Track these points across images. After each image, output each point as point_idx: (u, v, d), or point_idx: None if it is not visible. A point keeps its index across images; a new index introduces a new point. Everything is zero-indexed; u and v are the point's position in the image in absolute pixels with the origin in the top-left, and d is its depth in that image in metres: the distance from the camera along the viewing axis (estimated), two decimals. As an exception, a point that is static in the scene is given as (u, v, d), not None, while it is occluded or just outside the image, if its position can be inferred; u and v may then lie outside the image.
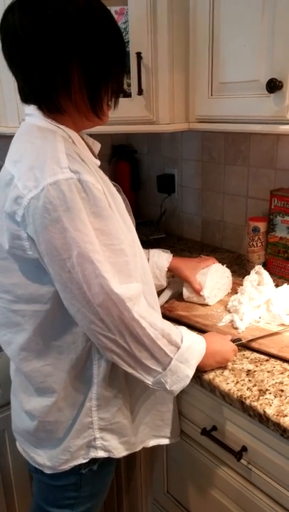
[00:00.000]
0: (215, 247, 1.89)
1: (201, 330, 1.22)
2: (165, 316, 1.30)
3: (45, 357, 0.96)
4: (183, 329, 0.99)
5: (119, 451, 1.04)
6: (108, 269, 0.85)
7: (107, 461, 1.06)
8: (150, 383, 0.94)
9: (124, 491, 1.51)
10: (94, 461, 1.03)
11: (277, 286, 1.31)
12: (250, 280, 1.29)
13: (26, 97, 0.93)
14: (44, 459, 1.03)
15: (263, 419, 0.93)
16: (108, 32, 0.90)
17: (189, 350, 0.96)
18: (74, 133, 0.93)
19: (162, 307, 1.33)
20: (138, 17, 1.28)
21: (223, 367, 1.06)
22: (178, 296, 1.39)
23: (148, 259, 1.32)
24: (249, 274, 1.32)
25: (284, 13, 1.07)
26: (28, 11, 0.85)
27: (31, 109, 0.93)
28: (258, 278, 1.31)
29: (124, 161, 2.14)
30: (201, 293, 1.30)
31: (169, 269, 1.34)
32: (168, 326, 0.95)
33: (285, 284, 1.30)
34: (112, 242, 0.87)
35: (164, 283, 1.35)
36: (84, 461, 1.02)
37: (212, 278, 1.33)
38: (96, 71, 0.90)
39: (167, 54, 1.32)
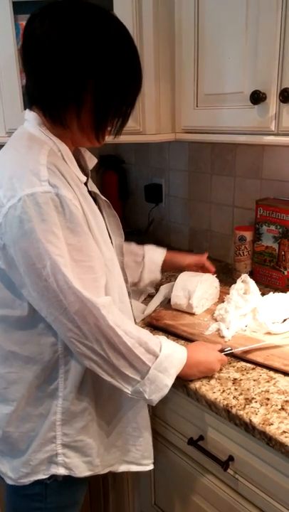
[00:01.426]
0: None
1: (187, 339, 1.22)
2: (152, 325, 1.30)
3: (11, 364, 0.96)
4: (162, 338, 0.99)
5: (81, 471, 1.02)
6: (77, 280, 0.86)
7: (71, 476, 1.03)
8: (129, 392, 0.94)
9: (111, 503, 1.49)
10: (55, 475, 1.01)
11: (263, 294, 1.32)
12: (236, 289, 1.30)
13: (32, 102, 0.95)
14: (7, 468, 1.02)
15: (248, 428, 0.93)
16: (131, 66, 0.93)
17: (168, 359, 0.95)
18: (65, 147, 0.94)
19: (149, 316, 1.33)
20: (124, 29, 1.30)
21: (209, 376, 1.06)
22: (166, 305, 1.39)
23: (143, 255, 1.35)
24: (236, 282, 1.33)
25: (266, 27, 1.09)
26: (58, 23, 0.86)
27: (31, 116, 0.95)
28: (245, 287, 1.32)
29: (112, 171, 2.15)
30: (190, 301, 1.31)
31: (164, 262, 1.38)
32: (145, 334, 0.95)
33: (271, 293, 1.31)
34: (82, 259, 0.87)
35: (159, 276, 1.39)
36: (44, 477, 1.00)
37: (201, 288, 1.33)
38: (110, 98, 0.92)
39: (153, 65, 1.34)
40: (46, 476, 1.00)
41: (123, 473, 1.40)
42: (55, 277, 0.84)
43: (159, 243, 2.04)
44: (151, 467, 1.13)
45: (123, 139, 1.40)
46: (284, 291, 1.36)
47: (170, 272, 1.55)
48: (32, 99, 0.95)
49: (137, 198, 2.16)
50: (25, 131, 0.94)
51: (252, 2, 1.11)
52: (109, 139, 1.01)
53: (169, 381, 0.95)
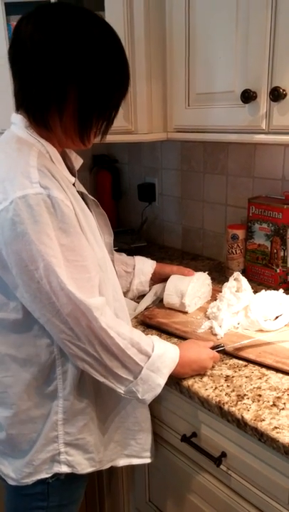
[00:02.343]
0: (195, 254, 1.90)
1: (180, 337, 1.23)
2: (145, 324, 1.31)
3: (7, 368, 0.97)
4: (155, 338, 1.00)
5: (84, 468, 1.03)
6: (71, 281, 0.86)
7: (75, 474, 1.04)
8: (122, 392, 0.95)
9: (105, 500, 1.50)
10: (58, 474, 1.02)
11: (255, 292, 1.32)
12: (228, 287, 1.31)
13: (18, 105, 0.95)
14: (8, 469, 1.02)
15: (241, 424, 0.94)
16: (114, 70, 0.92)
17: (161, 359, 0.96)
18: (53, 149, 0.94)
19: (142, 314, 1.34)
20: (115, 28, 1.29)
21: (201, 374, 1.07)
22: (158, 303, 1.40)
23: (134, 266, 1.35)
24: (228, 280, 1.34)
25: (257, 26, 1.10)
26: (41, 27, 0.86)
27: (17, 119, 0.95)
28: (237, 285, 1.33)
29: (105, 171, 2.15)
30: (183, 300, 1.31)
31: (153, 274, 1.38)
32: (138, 335, 0.96)
33: (263, 291, 1.32)
34: (75, 259, 0.88)
35: (147, 289, 1.39)
36: (47, 476, 1.01)
37: (194, 286, 1.34)
38: (92, 102, 0.92)
39: (145, 65, 1.34)
40: (49, 475, 1.01)
41: (118, 471, 1.41)
42: (48, 279, 0.84)
43: (152, 242, 2.07)
44: (150, 460, 1.15)
45: (115, 138, 1.41)
46: (276, 288, 1.37)
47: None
48: (18, 102, 0.95)
49: (130, 197, 2.16)
50: (13, 135, 0.94)
51: (242, 1, 1.12)
52: (96, 140, 1.01)
53: (162, 380, 0.96)
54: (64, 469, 1.01)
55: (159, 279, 1.40)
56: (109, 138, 1.39)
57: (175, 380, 1.06)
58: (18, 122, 0.94)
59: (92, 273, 0.92)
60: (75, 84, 0.88)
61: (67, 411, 0.99)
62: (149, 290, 1.41)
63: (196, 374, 1.07)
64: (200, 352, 1.07)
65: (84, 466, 1.04)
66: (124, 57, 0.95)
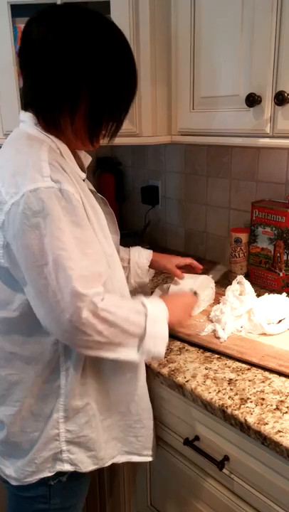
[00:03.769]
0: (198, 257, 1.89)
1: (183, 340, 1.23)
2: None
3: (12, 366, 0.97)
4: (140, 297, 1.01)
5: (86, 466, 1.03)
6: (79, 276, 0.85)
7: (77, 474, 1.04)
8: (137, 358, 0.96)
9: (107, 504, 1.49)
10: (62, 473, 1.02)
11: (259, 296, 1.32)
12: (232, 290, 1.31)
13: (27, 104, 0.95)
14: (10, 470, 1.02)
15: (244, 427, 0.94)
16: (125, 72, 0.94)
17: (155, 310, 0.98)
18: (63, 144, 0.95)
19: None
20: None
21: (205, 376, 1.07)
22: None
23: (129, 260, 1.35)
24: (231, 284, 1.34)
25: (261, 30, 1.10)
26: (55, 29, 0.87)
27: (26, 117, 0.95)
28: (240, 288, 1.33)
29: (109, 173, 2.15)
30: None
31: (151, 264, 1.37)
32: (129, 300, 1.01)
33: (266, 294, 1.32)
34: (89, 251, 0.88)
35: (147, 279, 1.38)
36: (50, 475, 1.01)
37: (197, 290, 1.34)
38: (104, 104, 0.92)
39: (150, 68, 1.35)
40: (52, 474, 1.01)
41: (120, 474, 1.40)
42: (57, 275, 0.84)
43: (155, 245, 2.07)
44: (151, 458, 1.15)
45: (120, 141, 1.41)
46: (279, 292, 1.37)
47: (166, 274, 1.55)
48: (27, 101, 0.96)
49: (133, 199, 2.17)
50: (23, 132, 0.95)
51: (247, 5, 1.12)
52: (104, 142, 1.01)
53: (165, 326, 0.98)
54: (67, 468, 1.01)
55: (157, 268, 1.40)
56: (112, 142, 1.41)
57: (179, 383, 1.06)
58: (27, 120, 0.95)
59: (102, 268, 0.92)
60: (87, 86, 0.89)
61: (68, 408, 0.99)
62: (153, 292, 1.41)
63: (186, 315, 1.12)
64: (178, 296, 1.14)
65: (86, 464, 1.03)
66: (133, 60, 0.96)
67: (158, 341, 0.97)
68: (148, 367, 1.15)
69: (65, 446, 1.00)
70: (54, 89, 0.89)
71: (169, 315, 1.01)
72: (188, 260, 1.40)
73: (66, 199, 0.85)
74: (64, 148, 0.94)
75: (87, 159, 1.10)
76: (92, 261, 0.88)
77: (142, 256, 1.36)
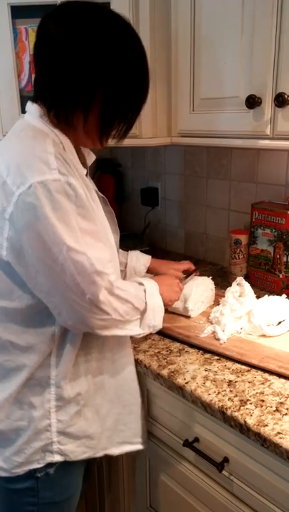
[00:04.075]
0: (198, 259, 1.90)
1: (183, 341, 1.23)
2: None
3: (9, 352, 0.97)
4: (134, 277, 1.08)
5: (76, 455, 1.03)
6: (94, 258, 0.88)
7: (65, 467, 1.03)
8: (140, 332, 1.02)
9: (106, 505, 1.49)
10: (50, 464, 1.01)
11: (258, 297, 1.32)
12: (231, 292, 1.31)
13: (38, 97, 0.95)
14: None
15: (243, 429, 0.94)
16: (141, 74, 0.95)
17: (149, 286, 1.06)
18: (66, 139, 0.94)
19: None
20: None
21: (205, 378, 1.08)
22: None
23: (126, 264, 1.36)
24: (231, 285, 1.34)
25: (262, 32, 1.10)
26: (75, 27, 0.88)
27: (32, 108, 0.95)
28: (240, 289, 1.33)
29: (109, 175, 2.16)
30: (186, 304, 1.31)
31: (149, 270, 1.39)
32: (130, 281, 1.06)
33: (266, 296, 1.32)
34: (95, 244, 0.90)
35: None
36: (39, 466, 1.00)
37: (197, 291, 1.34)
38: (118, 104, 0.93)
39: (150, 69, 1.34)
40: (41, 465, 1.00)
41: (119, 475, 1.40)
42: (73, 259, 0.85)
43: (155, 247, 2.06)
44: (142, 446, 1.15)
45: (119, 142, 1.42)
46: (279, 294, 1.37)
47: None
48: (39, 95, 0.95)
49: (133, 201, 2.17)
50: (28, 123, 0.95)
51: (247, 7, 1.12)
52: (111, 143, 1.02)
53: (160, 299, 1.07)
54: (57, 458, 1.01)
55: (156, 274, 1.39)
56: (114, 142, 1.41)
57: (179, 385, 1.06)
58: (33, 112, 0.95)
59: (109, 256, 0.95)
60: (103, 86, 0.90)
61: (59, 398, 0.99)
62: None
63: (170, 296, 1.15)
64: (162, 278, 1.18)
65: (77, 453, 1.03)
66: (147, 62, 0.97)
67: (156, 313, 1.05)
68: (147, 368, 1.15)
69: (56, 437, 1.00)
70: (70, 87, 0.89)
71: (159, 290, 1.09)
72: (186, 266, 1.41)
73: (73, 192, 0.85)
74: (67, 143, 0.94)
75: (90, 157, 1.10)
76: (101, 250, 0.91)
77: (139, 261, 1.37)
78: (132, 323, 1.01)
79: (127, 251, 1.38)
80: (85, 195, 0.89)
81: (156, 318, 1.05)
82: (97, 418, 1.06)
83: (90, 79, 0.89)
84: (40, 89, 0.95)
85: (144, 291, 1.04)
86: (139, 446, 1.16)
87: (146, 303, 1.02)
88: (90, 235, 0.89)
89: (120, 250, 1.38)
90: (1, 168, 0.87)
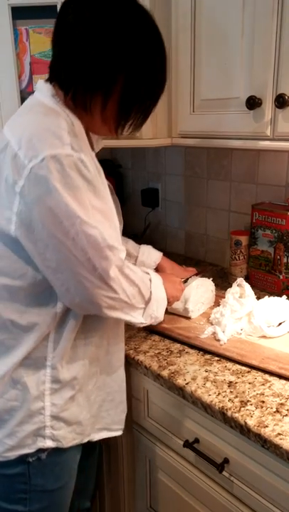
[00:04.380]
0: (198, 260, 1.90)
1: (183, 342, 1.23)
2: (148, 329, 1.31)
3: (9, 331, 0.96)
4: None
5: (68, 441, 1.02)
6: (106, 234, 0.88)
7: (57, 454, 1.02)
8: (144, 321, 1.04)
9: (106, 506, 1.49)
10: (41, 450, 1.00)
11: (258, 298, 1.32)
12: (232, 293, 1.31)
13: (55, 79, 0.94)
14: None
15: (244, 430, 0.94)
16: (161, 63, 0.95)
17: (154, 278, 1.07)
18: (77, 121, 0.93)
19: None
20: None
21: (205, 379, 1.08)
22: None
23: (136, 258, 1.36)
24: (231, 286, 1.34)
25: (262, 33, 1.10)
26: (97, 12, 0.87)
27: (45, 87, 0.94)
28: (240, 290, 1.33)
29: (109, 176, 2.15)
30: (186, 305, 1.31)
31: (158, 267, 1.39)
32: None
33: (266, 297, 1.32)
34: (106, 221, 0.90)
35: None
36: (30, 451, 0.98)
37: (197, 292, 1.34)
38: (136, 92, 0.93)
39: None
40: (32, 451, 0.98)
41: (119, 476, 1.40)
42: (85, 233, 0.85)
43: (155, 247, 2.06)
44: (120, 433, 1.15)
45: (119, 143, 1.42)
46: (279, 295, 1.37)
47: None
48: (57, 77, 0.94)
49: (133, 202, 2.17)
50: (38, 101, 0.93)
51: (248, 8, 1.12)
52: (126, 133, 1.02)
53: (163, 292, 1.08)
54: (48, 444, 0.99)
55: (163, 271, 1.40)
56: (114, 142, 1.41)
57: (179, 386, 1.06)
58: (45, 90, 0.94)
59: (119, 236, 0.96)
60: (124, 71, 0.89)
61: (55, 380, 0.98)
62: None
63: (173, 293, 1.17)
64: (166, 275, 1.19)
65: (68, 439, 1.02)
66: (165, 50, 0.96)
67: (160, 305, 1.07)
68: (148, 369, 1.15)
69: (49, 421, 0.99)
70: (92, 70, 0.88)
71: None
72: (192, 273, 1.42)
73: (85, 169, 0.85)
74: (78, 124, 0.93)
75: (99, 144, 1.09)
76: (111, 228, 0.91)
77: (150, 257, 1.37)
78: (136, 311, 1.02)
79: (139, 244, 1.39)
80: (95, 174, 0.89)
81: (159, 310, 1.06)
82: (87, 404, 1.05)
83: (112, 62, 0.88)
84: (58, 71, 0.93)
85: (150, 280, 1.05)
86: (117, 433, 1.15)
87: (151, 292, 1.03)
88: (100, 213, 0.88)
89: (131, 242, 1.39)
90: (12, 141, 0.86)
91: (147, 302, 1.03)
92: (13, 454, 0.98)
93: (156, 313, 1.06)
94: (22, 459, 0.99)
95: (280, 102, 1.08)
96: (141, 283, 1.01)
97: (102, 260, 0.88)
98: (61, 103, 0.92)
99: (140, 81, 0.92)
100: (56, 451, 1.02)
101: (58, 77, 0.93)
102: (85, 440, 1.08)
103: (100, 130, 0.99)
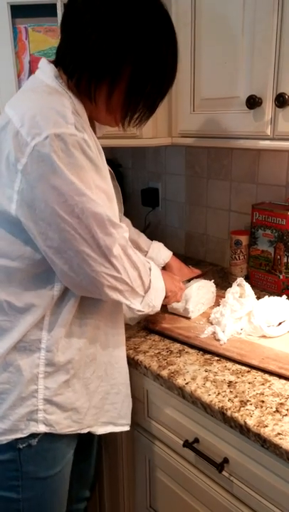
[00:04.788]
0: (198, 260, 1.90)
1: (183, 342, 1.23)
2: (148, 329, 1.31)
3: (6, 313, 0.95)
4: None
5: (62, 427, 1.00)
6: (109, 213, 0.88)
7: (50, 440, 1.00)
8: (141, 308, 1.03)
9: (106, 506, 1.49)
10: (33, 435, 0.98)
11: (258, 298, 1.32)
12: (232, 292, 1.31)
13: (60, 63, 0.93)
14: None
15: (243, 430, 0.94)
16: (170, 55, 0.94)
17: (153, 267, 1.07)
18: (80, 104, 0.92)
19: (146, 319, 1.34)
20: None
21: (205, 379, 1.07)
22: (161, 308, 1.39)
23: (147, 252, 1.36)
24: (231, 286, 1.34)
25: (262, 32, 1.10)
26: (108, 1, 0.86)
27: (48, 67, 0.93)
28: (240, 290, 1.32)
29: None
30: (186, 305, 1.31)
31: (166, 266, 1.40)
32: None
33: (266, 296, 1.31)
34: (108, 203, 0.90)
35: None
36: (22, 436, 0.97)
37: (198, 293, 1.34)
38: (143, 85, 0.92)
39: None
40: (25, 435, 0.97)
41: (119, 475, 1.40)
42: (90, 211, 0.85)
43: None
44: (127, 428, 1.14)
45: (119, 142, 1.42)
46: (279, 295, 1.37)
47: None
48: (62, 61, 0.93)
49: (133, 202, 2.17)
50: (41, 81, 0.92)
51: (248, 6, 1.12)
52: (132, 129, 1.02)
53: (162, 284, 1.08)
54: (41, 428, 0.98)
55: (170, 271, 1.39)
56: (114, 142, 1.41)
57: (179, 385, 1.06)
58: (47, 70, 0.93)
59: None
60: (131, 63, 0.88)
61: (49, 363, 0.97)
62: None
63: (172, 289, 1.17)
64: (166, 272, 1.20)
65: (62, 425, 1.00)
66: (177, 44, 0.96)
67: (158, 294, 1.06)
68: (147, 368, 1.15)
69: (41, 405, 0.97)
70: (97, 59, 0.87)
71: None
72: (197, 274, 1.42)
73: (88, 149, 0.84)
74: (80, 107, 0.92)
75: (101, 129, 1.08)
76: (112, 209, 0.91)
77: (159, 255, 1.37)
78: (136, 298, 1.01)
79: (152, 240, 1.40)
80: (97, 155, 0.89)
81: (156, 300, 1.06)
82: (85, 392, 1.04)
83: (119, 51, 0.87)
84: (64, 55, 0.92)
85: (150, 269, 1.05)
86: (124, 428, 1.14)
87: (150, 280, 1.03)
88: (103, 193, 0.88)
89: (143, 236, 1.38)
90: (14, 119, 0.84)
91: (146, 290, 1.03)
92: (5, 439, 0.97)
93: (153, 302, 1.05)
94: (12, 446, 0.98)
95: (281, 101, 1.08)
96: (142, 267, 1.00)
97: (107, 237, 0.88)
98: (64, 85, 0.91)
99: (149, 74, 0.91)
100: (49, 438, 1.00)
101: (63, 61, 0.92)
102: (85, 430, 1.06)
103: (105, 119, 0.98)
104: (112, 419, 1.11)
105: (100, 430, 1.10)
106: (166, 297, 1.13)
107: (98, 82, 0.90)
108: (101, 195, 0.88)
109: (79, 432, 1.05)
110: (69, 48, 0.91)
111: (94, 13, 0.86)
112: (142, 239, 1.38)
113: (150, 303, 1.04)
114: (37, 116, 0.82)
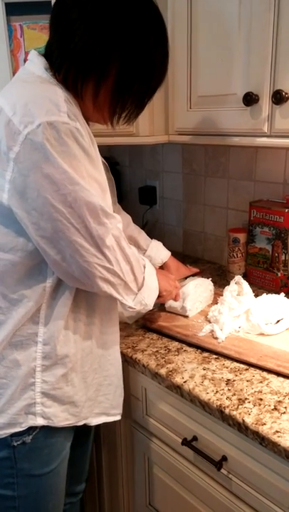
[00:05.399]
0: (196, 258, 1.90)
1: (181, 340, 1.23)
2: (146, 327, 1.31)
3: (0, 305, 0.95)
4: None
5: (59, 420, 1.00)
6: (102, 204, 0.87)
7: (45, 436, 1.00)
8: (132, 305, 1.01)
9: (105, 504, 1.49)
10: (31, 429, 0.98)
11: (257, 296, 1.32)
12: (230, 290, 1.31)
13: (48, 58, 0.92)
14: None
15: (242, 428, 0.94)
16: (160, 53, 0.93)
17: (148, 265, 1.06)
18: (72, 97, 0.91)
19: (143, 317, 1.33)
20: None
21: (203, 377, 1.07)
22: (159, 307, 1.39)
23: (145, 251, 1.35)
24: (229, 284, 1.33)
25: (259, 29, 1.10)
26: None
27: (38, 59, 0.92)
28: (238, 288, 1.32)
29: (106, 173, 2.15)
30: (184, 304, 1.31)
31: (164, 266, 1.39)
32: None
33: (264, 294, 1.31)
34: (102, 191, 0.89)
35: None
36: (21, 430, 0.97)
37: (196, 291, 1.34)
38: (131, 82, 0.91)
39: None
40: (24, 429, 0.97)
41: (118, 473, 1.40)
42: (85, 201, 0.84)
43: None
44: (119, 417, 1.14)
45: (116, 140, 1.42)
46: (277, 292, 1.37)
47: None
48: (50, 54, 0.92)
49: (131, 200, 2.16)
50: (32, 72, 0.91)
51: (244, 3, 1.12)
52: (122, 126, 1.01)
53: (156, 282, 1.07)
54: (40, 422, 0.98)
55: (168, 271, 1.39)
56: (111, 140, 1.41)
57: (177, 384, 1.06)
58: (37, 62, 0.92)
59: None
60: (118, 60, 0.88)
61: (46, 356, 0.96)
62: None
63: (166, 281, 1.17)
64: (161, 270, 1.20)
65: (60, 418, 1.00)
66: (168, 42, 0.94)
67: (151, 293, 1.05)
68: (145, 367, 1.15)
69: (39, 398, 0.97)
70: (83, 54, 0.87)
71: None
72: (194, 272, 1.43)
73: (81, 138, 0.84)
74: (72, 98, 0.91)
75: (93, 123, 1.07)
76: (106, 199, 0.91)
77: (158, 255, 1.37)
78: (128, 294, 1.00)
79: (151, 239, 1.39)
80: (90, 145, 0.88)
81: (149, 298, 1.05)
82: (83, 386, 1.04)
83: (106, 47, 0.86)
84: (51, 51, 0.92)
85: (144, 266, 1.03)
86: (116, 418, 1.13)
87: (144, 278, 1.02)
88: (96, 183, 0.88)
89: (143, 234, 1.38)
90: (6, 108, 0.84)
91: (140, 288, 1.01)
92: (4, 433, 0.97)
93: (146, 300, 1.04)
94: (6, 443, 0.97)
95: (277, 98, 1.08)
96: (135, 262, 0.99)
97: (100, 227, 0.87)
98: (54, 77, 0.91)
99: (136, 72, 0.90)
100: (45, 433, 1.00)
101: (50, 56, 0.92)
102: (81, 423, 1.06)
103: (92, 116, 0.97)
104: (104, 409, 1.10)
105: (94, 421, 1.09)
106: (160, 296, 1.12)
107: (85, 78, 0.89)
108: (94, 184, 0.87)
109: (75, 424, 1.05)
110: (56, 42, 0.91)
111: (81, 9, 0.86)
112: (142, 237, 1.37)
113: (142, 301, 1.03)
114: (29, 104, 0.82)
